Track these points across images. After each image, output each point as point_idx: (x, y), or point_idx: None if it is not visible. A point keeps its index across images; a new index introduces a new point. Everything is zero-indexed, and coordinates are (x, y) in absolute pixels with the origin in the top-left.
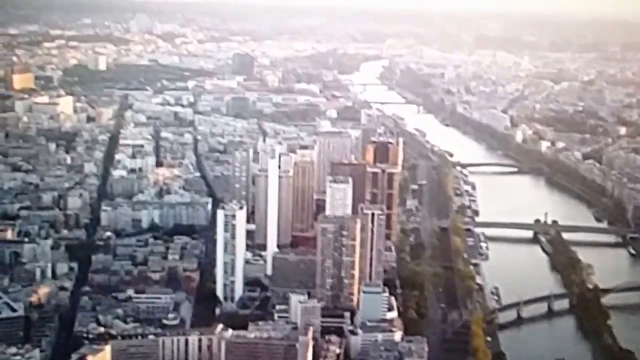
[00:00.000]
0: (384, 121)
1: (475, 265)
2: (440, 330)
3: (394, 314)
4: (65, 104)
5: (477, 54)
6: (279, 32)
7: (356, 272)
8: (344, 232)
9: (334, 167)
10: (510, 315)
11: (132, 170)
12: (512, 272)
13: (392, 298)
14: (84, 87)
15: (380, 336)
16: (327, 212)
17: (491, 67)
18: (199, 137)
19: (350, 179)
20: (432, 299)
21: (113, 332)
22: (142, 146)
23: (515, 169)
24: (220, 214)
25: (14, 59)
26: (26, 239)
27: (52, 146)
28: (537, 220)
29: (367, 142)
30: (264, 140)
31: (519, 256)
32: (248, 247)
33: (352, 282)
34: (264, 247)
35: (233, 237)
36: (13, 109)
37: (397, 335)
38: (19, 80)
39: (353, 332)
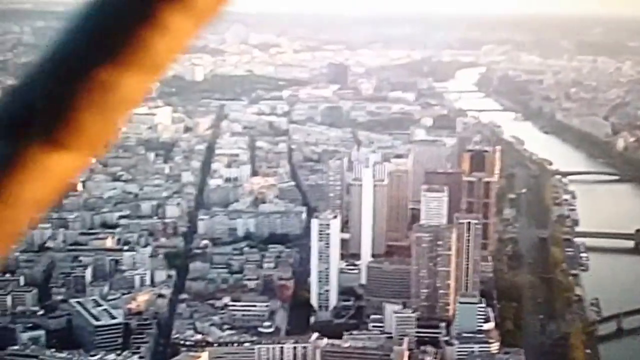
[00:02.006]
0: (480, 129)
1: (575, 275)
2: (538, 342)
3: (490, 325)
4: (164, 115)
5: (577, 60)
6: (374, 40)
7: (452, 282)
8: (439, 242)
9: (429, 176)
10: (611, 327)
11: (228, 180)
12: (613, 283)
13: (489, 309)
14: (181, 97)
15: (476, 347)
16: (422, 221)
17: (592, 73)
18: (293, 146)
19: (445, 188)
20: (530, 310)
21: (210, 339)
22: (237, 155)
23: (616, 178)
24: (314, 223)
25: None
26: (126, 247)
27: (151, 156)
28: (638, 230)
29: (462, 151)
30: (358, 149)
31: (620, 267)
32: (342, 256)
33: (447, 292)
34: (358, 256)
35: (327, 246)
36: None
37: (494, 347)
38: None
39: (449, 343)
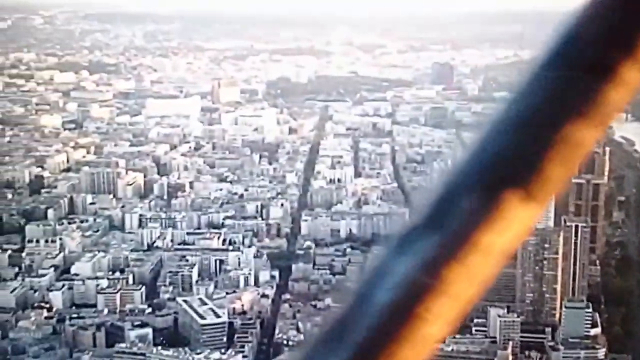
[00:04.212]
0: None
1: None
2: None
3: (597, 331)
4: (269, 116)
5: None
6: (481, 39)
7: (558, 287)
8: (546, 245)
9: None
10: None
11: (331, 181)
12: None
13: (596, 314)
14: (286, 99)
15: (582, 353)
16: None
17: None
18: (396, 148)
19: None
20: (639, 315)
21: None
22: (341, 157)
23: None
24: None
25: (221, 72)
26: (230, 247)
27: (256, 157)
28: None
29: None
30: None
31: None
32: None
33: (553, 296)
34: None
35: None
36: (219, 121)
37: (601, 353)
38: (225, 94)
39: (554, 349)
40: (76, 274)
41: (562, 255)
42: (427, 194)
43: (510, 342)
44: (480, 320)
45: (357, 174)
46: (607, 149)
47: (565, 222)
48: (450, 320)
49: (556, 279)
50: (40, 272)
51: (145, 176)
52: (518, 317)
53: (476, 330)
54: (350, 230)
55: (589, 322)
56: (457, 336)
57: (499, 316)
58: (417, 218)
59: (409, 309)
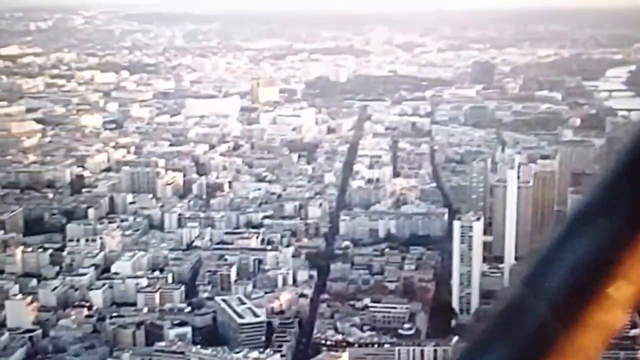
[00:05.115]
0: (631, 129)
1: None
2: None
3: (636, 332)
4: (307, 116)
5: None
6: (521, 38)
7: None
8: None
9: (576, 177)
10: None
11: (370, 181)
12: None
13: (636, 314)
14: (325, 99)
15: (622, 354)
16: None
17: None
18: (435, 147)
19: None
20: None
21: (350, 339)
22: (379, 157)
23: None
24: (456, 225)
25: (260, 72)
26: (269, 247)
27: (295, 157)
28: None
29: (611, 152)
30: (503, 150)
31: None
32: (485, 259)
33: None
34: (501, 259)
35: (469, 248)
36: (258, 121)
37: None
38: (264, 93)
39: None
40: (116, 273)
41: None
42: (599, 178)
43: None
44: None
45: (396, 174)
46: None
47: None
48: (627, 307)
49: None
50: (81, 271)
51: (184, 176)
52: None
53: None
54: (388, 230)
55: (629, 323)
56: None
57: None
58: (590, 201)
59: (587, 293)
